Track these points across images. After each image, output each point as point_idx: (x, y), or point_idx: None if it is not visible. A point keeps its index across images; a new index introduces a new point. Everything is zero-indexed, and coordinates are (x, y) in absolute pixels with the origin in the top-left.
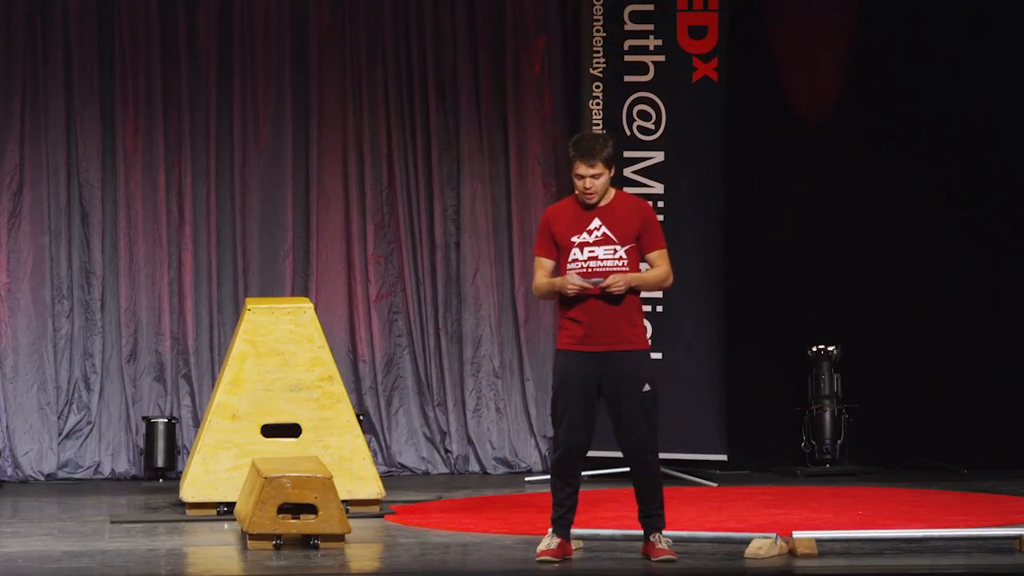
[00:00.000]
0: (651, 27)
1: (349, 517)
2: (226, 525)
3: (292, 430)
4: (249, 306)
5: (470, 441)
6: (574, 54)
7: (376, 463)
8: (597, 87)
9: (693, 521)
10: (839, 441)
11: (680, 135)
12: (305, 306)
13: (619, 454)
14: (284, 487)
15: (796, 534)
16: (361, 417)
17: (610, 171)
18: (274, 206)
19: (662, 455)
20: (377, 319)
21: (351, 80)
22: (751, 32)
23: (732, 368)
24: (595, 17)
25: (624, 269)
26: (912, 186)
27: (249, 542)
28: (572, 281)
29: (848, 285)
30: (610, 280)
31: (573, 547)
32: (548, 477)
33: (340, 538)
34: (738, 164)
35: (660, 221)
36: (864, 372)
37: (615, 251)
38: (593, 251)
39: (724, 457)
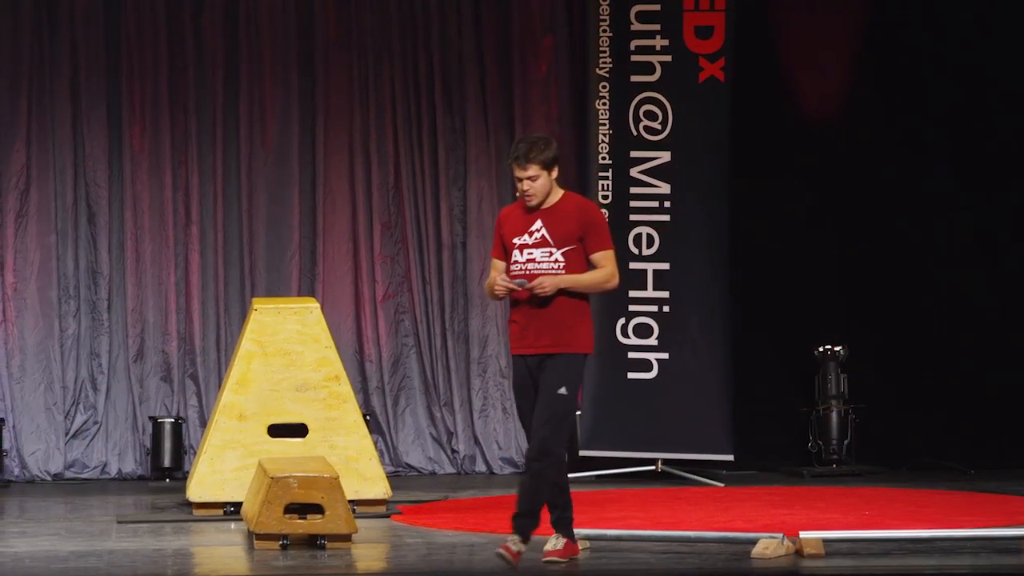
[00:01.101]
0: (658, 27)
1: (356, 517)
2: (233, 525)
3: (299, 430)
4: (256, 306)
5: (477, 441)
6: (581, 54)
7: (383, 463)
8: (604, 87)
9: (700, 521)
10: (845, 441)
11: (687, 135)
12: (312, 306)
13: (625, 454)
14: (291, 487)
15: (803, 534)
16: (368, 417)
17: (550, 173)
18: (281, 206)
19: (668, 455)
20: (384, 319)
21: (358, 81)
22: (757, 32)
23: (739, 368)
24: (602, 17)
25: (559, 271)
26: (918, 186)
27: (256, 542)
28: (498, 283)
29: (854, 285)
30: (535, 282)
31: (580, 547)
32: None
33: (347, 538)
34: (744, 164)
35: (666, 221)
36: (870, 372)
37: (551, 253)
38: (531, 253)
39: (730, 457)
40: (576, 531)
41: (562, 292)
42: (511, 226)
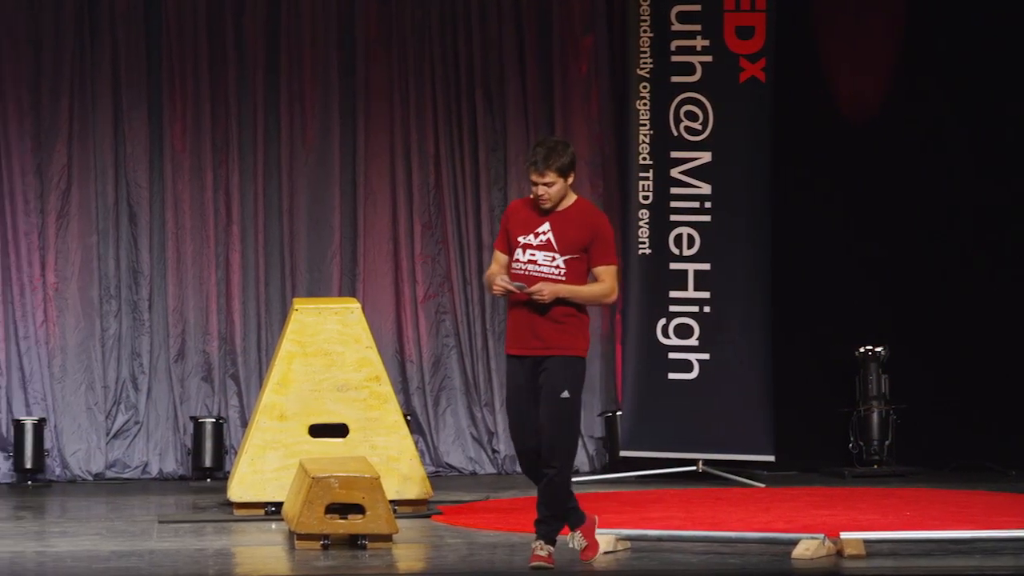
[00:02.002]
0: (698, 27)
1: (396, 517)
2: (273, 525)
3: (339, 430)
4: (296, 306)
5: None
6: (621, 55)
7: (423, 463)
8: (644, 88)
9: (741, 522)
10: (887, 442)
11: (727, 135)
12: (352, 306)
13: (666, 455)
14: (332, 487)
15: (844, 535)
16: (408, 417)
17: (566, 179)
18: (321, 206)
19: (709, 455)
20: (424, 319)
21: (398, 80)
22: (798, 32)
23: (779, 368)
24: (642, 18)
25: (560, 278)
26: (959, 186)
27: (296, 542)
28: (498, 282)
29: (896, 285)
30: (535, 288)
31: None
32: (597, 477)
33: (387, 538)
34: (785, 164)
35: (706, 222)
36: (912, 373)
37: (553, 259)
38: (533, 255)
39: (771, 458)
40: (617, 531)
41: (560, 300)
42: (518, 222)
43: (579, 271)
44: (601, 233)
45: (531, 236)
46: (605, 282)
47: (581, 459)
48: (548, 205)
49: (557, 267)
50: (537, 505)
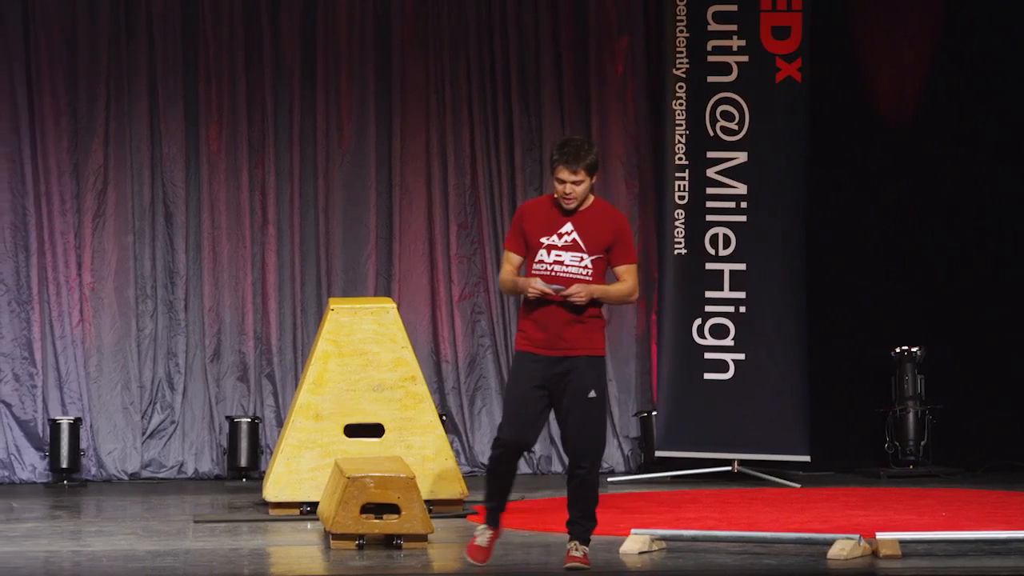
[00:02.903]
0: (734, 28)
1: (432, 517)
2: (309, 525)
3: (375, 430)
4: (332, 306)
5: (552, 441)
6: (657, 55)
7: (459, 463)
8: (680, 88)
9: (776, 522)
10: (923, 442)
11: (763, 136)
12: (388, 306)
13: (701, 455)
14: (367, 487)
15: (879, 535)
16: (444, 417)
17: (592, 178)
18: (357, 206)
19: (744, 456)
20: (460, 319)
21: (434, 80)
22: (834, 32)
23: (815, 369)
24: (678, 18)
25: (587, 278)
26: (996, 186)
27: (332, 542)
28: (535, 285)
29: (932, 285)
30: (573, 289)
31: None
32: (633, 477)
33: (423, 538)
34: (821, 164)
35: (742, 222)
36: (948, 373)
37: (581, 259)
38: (560, 255)
39: (807, 458)
40: (653, 531)
41: (591, 301)
42: (537, 223)
43: (602, 271)
44: (624, 232)
45: (555, 237)
46: (628, 281)
47: (616, 459)
48: (573, 204)
49: (585, 267)
50: (568, 506)
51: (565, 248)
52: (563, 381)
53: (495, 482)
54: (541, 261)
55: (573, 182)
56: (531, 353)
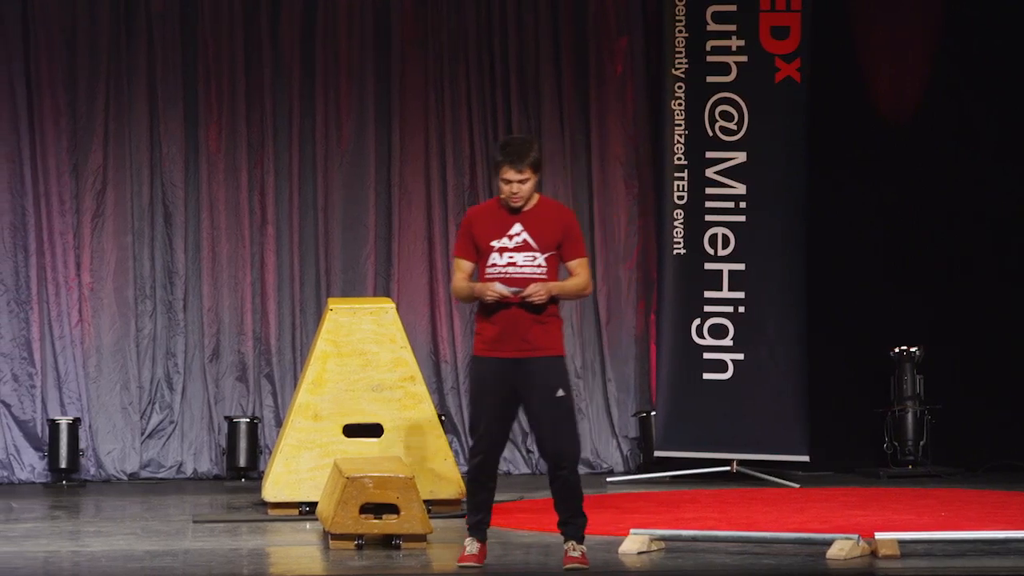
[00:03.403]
0: (733, 28)
1: (431, 517)
2: (308, 525)
3: (374, 430)
4: (331, 306)
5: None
6: (656, 55)
7: (458, 463)
8: (679, 88)
9: (775, 522)
10: (922, 442)
11: (762, 136)
12: (387, 306)
13: (700, 455)
14: (366, 487)
15: (879, 535)
16: (443, 417)
17: (537, 176)
18: (356, 206)
19: (743, 456)
20: (459, 320)
21: (433, 80)
22: (834, 32)
23: (814, 369)
24: (677, 18)
25: (543, 277)
26: (996, 186)
27: (331, 542)
28: (493, 289)
29: (931, 285)
30: (531, 289)
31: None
32: (632, 477)
33: (422, 538)
34: (821, 165)
35: (741, 222)
36: (947, 373)
37: (534, 258)
38: (512, 257)
39: (806, 458)
40: (651, 531)
41: (549, 299)
42: (485, 227)
43: (555, 267)
44: (572, 227)
45: (505, 239)
46: (581, 275)
47: (615, 459)
48: (520, 203)
49: (539, 266)
50: (556, 507)
51: (517, 249)
52: (528, 383)
53: (479, 492)
54: (494, 265)
55: (519, 181)
56: (494, 358)
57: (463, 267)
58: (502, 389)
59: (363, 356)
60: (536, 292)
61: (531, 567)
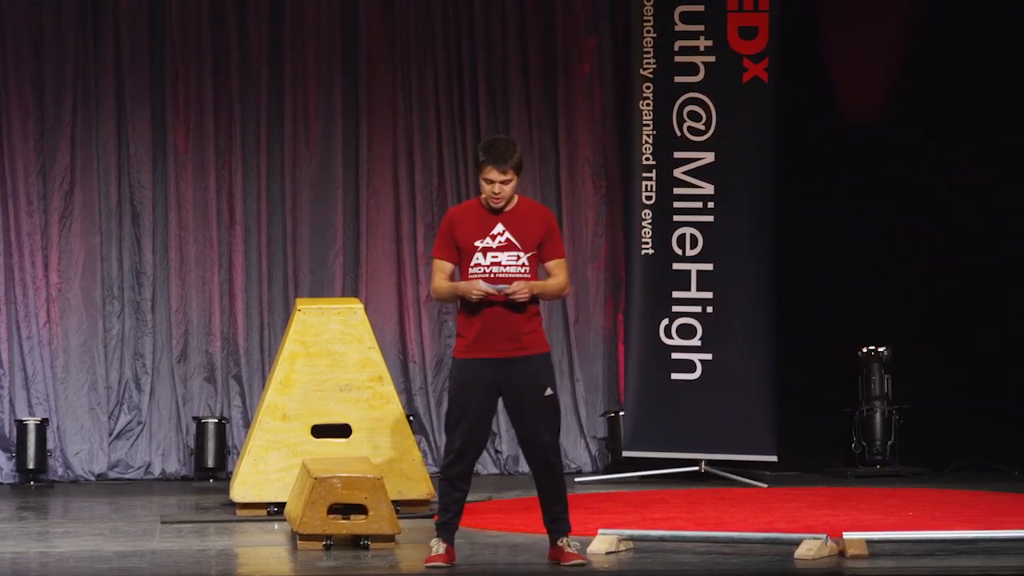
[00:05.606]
0: (701, 28)
1: (399, 517)
2: (276, 525)
3: (342, 430)
4: (299, 306)
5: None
6: (624, 55)
7: (426, 464)
8: (647, 88)
9: (743, 522)
10: (889, 442)
11: (730, 136)
12: (355, 307)
13: (668, 455)
14: (334, 487)
15: (846, 535)
16: (411, 418)
17: (518, 177)
18: (324, 207)
19: (711, 456)
20: (427, 320)
21: (401, 81)
22: (802, 33)
23: (782, 369)
24: (645, 18)
25: (526, 276)
26: (963, 187)
27: (299, 542)
28: (477, 287)
29: (899, 285)
30: (515, 287)
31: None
32: (600, 477)
33: (390, 538)
34: (788, 165)
35: (709, 222)
36: (915, 373)
37: (518, 257)
38: (496, 256)
39: (774, 458)
40: (620, 531)
41: (531, 298)
42: (467, 227)
43: (535, 267)
44: (552, 228)
45: (488, 239)
46: (560, 275)
47: (583, 459)
48: (502, 203)
49: (523, 265)
50: (546, 503)
51: (500, 248)
52: (515, 382)
53: (454, 491)
54: (478, 264)
55: (502, 182)
56: (477, 359)
57: (443, 268)
58: (487, 390)
59: (331, 356)
60: (520, 290)
61: (499, 567)
